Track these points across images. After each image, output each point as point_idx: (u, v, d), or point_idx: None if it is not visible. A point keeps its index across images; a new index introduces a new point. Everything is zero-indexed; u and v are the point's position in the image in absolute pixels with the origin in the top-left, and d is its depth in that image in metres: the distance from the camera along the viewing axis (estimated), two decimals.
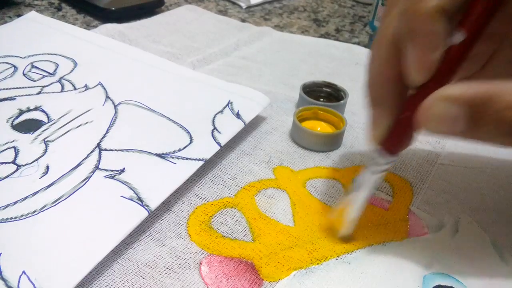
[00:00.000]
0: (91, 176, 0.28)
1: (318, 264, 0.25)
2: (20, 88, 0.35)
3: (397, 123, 0.24)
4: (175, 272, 0.24)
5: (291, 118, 0.35)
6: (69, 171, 0.28)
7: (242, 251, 0.25)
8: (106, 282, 0.23)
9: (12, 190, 0.26)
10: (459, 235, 0.28)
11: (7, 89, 0.35)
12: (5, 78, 0.36)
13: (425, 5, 0.21)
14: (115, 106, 0.34)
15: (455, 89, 0.21)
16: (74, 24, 0.50)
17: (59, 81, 0.37)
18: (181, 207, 0.28)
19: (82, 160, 0.29)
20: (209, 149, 0.31)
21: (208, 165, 0.31)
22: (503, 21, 0.23)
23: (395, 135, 0.24)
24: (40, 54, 0.40)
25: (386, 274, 0.25)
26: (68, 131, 0.31)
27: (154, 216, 0.27)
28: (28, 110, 0.33)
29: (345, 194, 0.27)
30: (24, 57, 0.39)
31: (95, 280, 0.23)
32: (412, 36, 0.22)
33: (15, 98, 0.34)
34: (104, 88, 0.36)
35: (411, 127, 0.23)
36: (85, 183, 0.27)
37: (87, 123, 0.32)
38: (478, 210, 0.30)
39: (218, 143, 0.31)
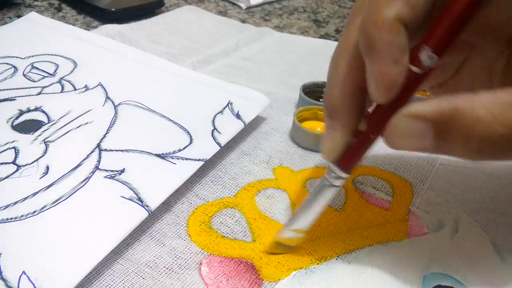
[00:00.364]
0: (91, 176, 0.28)
1: (318, 264, 0.25)
2: (20, 88, 0.35)
3: (355, 143, 0.23)
4: (175, 272, 0.24)
5: (291, 118, 0.35)
6: (69, 171, 0.28)
7: (242, 251, 0.25)
8: (106, 282, 0.23)
9: (12, 190, 0.26)
10: (459, 235, 0.28)
11: (7, 89, 0.35)
12: (5, 78, 0.36)
13: (385, 15, 0.20)
14: (115, 107, 0.34)
15: (422, 106, 0.20)
16: (74, 25, 0.50)
17: (59, 81, 0.37)
18: (181, 207, 0.28)
19: (82, 161, 0.29)
20: (209, 150, 0.31)
21: (208, 165, 0.31)
22: (472, 32, 0.22)
23: (351, 153, 0.23)
24: (40, 54, 0.40)
25: (386, 274, 0.25)
26: (68, 132, 0.31)
27: (154, 216, 0.27)
28: (28, 110, 0.33)
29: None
30: (24, 58, 0.39)
31: (95, 280, 0.23)
32: (371, 49, 0.20)
33: (15, 99, 0.34)
34: (104, 89, 0.36)
35: (368, 145, 0.22)
36: (85, 183, 0.27)
37: (87, 123, 0.32)
38: (478, 210, 0.30)
39: (218, 144, 0.31)
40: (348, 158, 0.23)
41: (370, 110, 0.23)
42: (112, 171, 0.28)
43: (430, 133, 0.20)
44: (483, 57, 0.25)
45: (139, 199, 0.26)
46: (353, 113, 0.23)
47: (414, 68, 0.20)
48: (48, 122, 0.32)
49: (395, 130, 0.21)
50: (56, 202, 0.26)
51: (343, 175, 0.23)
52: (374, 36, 0.20)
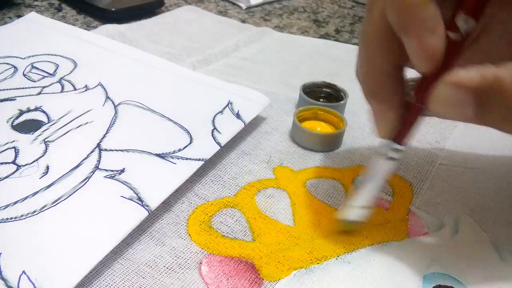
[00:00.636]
0: (91, 176, 0.28)
1: (318, 264, 0.25)
2: (20, 88, 0.35)
3: (406, 115, 0.24)
4: (175, 272, 0.24)
5: (291, 118, 0.35)
6: (69, 171, 0.28)
7: (242, 251, 0.25)
8: (106, 282, 0.23)
9: (12, 190, 0.26)
10: (459, 235, 0.28)
11: (7, 89, 0.35)
12: (5, 78, 0.36)
13: None
14: (115, 107, 0.34)
15: (462, 74, 0.20)
16: (74, 24, 0.50)
17: (59, 81, 0.37)
18: (181, 207, 0.28)
19: (82, 160, 0.29)
20: (209, 149, 0.31)
21: (208, 165, 0.31)
22: (492, 3, 0.23)
23: (404, 127, 0.24)
24: (40, 54, 0.40)
25: (386, 274, 0.25)
26: (68, 132, 0.31)
27: (154, 216, 0.27)
28: (28, 110, 0.33)
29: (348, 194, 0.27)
30: (24, 58, 0.39)
31: (95, 280, 0.23)
32: (406, 28, 0.21)
33: (15, 99, 0.34)
34: (104, 89, 0.36)
35: (419, 116, 0.23)
36: (85, 183, 0.27)
37: (87, 123, 0.32)
38: (478, 210, 0.30)
39: (218, 143, 0.31)
40: (403, 132, 0.24)
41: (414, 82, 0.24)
42: (112, 171, 0.28)
43: (470, 101, 0.20)
44: (502, 27, 0.25)
45: (139, 198, 0.26)
46: (398, 91, 0.24)
47: (453, 35, 0.21)
48: (48, 122, 0.32)
49: (437, 98, 0.21)
50: (56, 202, 0.26)
51: (401, 147, 0.24)
52: (407, 12, 0.21)
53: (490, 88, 0.20)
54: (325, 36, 0.57)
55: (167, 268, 0.24)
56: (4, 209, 0.25)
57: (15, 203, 0.25)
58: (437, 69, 0.22)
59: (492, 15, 0.25)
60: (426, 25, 0.21)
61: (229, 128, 0.33)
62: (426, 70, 0.22)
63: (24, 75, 0.37)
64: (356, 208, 0.26)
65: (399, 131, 0.24)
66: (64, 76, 0.38)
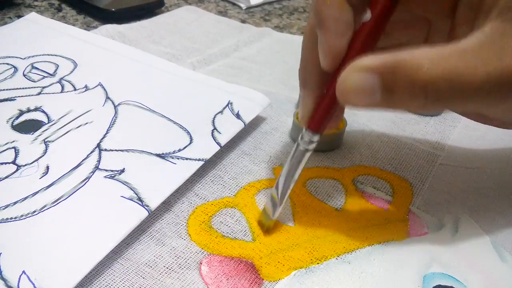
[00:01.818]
0: (91, 176, 0.28)
1: (318, 263, 0.25)
2: (20, 88, 0.35)
3: (318, 102, 0.25)
4: (175, 272, 0.24)
5: (291, 118, 0.35)
6: (69, 171, 0.28)
7: (242, 251, 0.25)
8: (106, 282, 0.23)
9: (12, 190, 0.26)
10: (459, 235, 0.28)
11: (7, 89, 0.35)
12: (5, 78, 0.36)
13: None
14: (115, 107, 0.34)
15: (367, 59, 0.22)
16: (74, 25, 0.50)
17: (59, 81, 0.37)
18: (181, 207, 0.28)
19: (82, 161, 0.29)
20: (209, 149, 0.31)
21: (208, 165, 0.31)
22: (419, 6, 0.26)
23: (317, 114, 0.25)
24: (40, 55, 0.40)
25: (386, 274, 0.25)
26: (68, 132, 0.31)
27: (154, 216, 0.27)
28: (28, 110, 0.33)
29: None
30: (24, 58, 0.40)
31: (95, 280, 0.23)
32: (321, 25, 0.24)
33: (15, 99, 0.34)
34: (104, 89, 0.36)
35: (331, 105, 0.25)
36: (85, 183, 0.27)
37: (87, 123, 0.32)
38: (478, 210, 0.30)
39: (218, 143, 0.31)
40: (314, 119, 0.26)
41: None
42: (112, 171, 0.28)
43: (377, 85, 0.21)
44: (439, 34, 0.27)
45: (139, 198, 0.26)
46: (318, 80, 0.26)
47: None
48: (48, 122, 0.32)
49: (344, 85, 0.22)
50: (56, 202, 0.26)
51: (314, 138, 0.26)
52: (323, 13, 0.23)
53: (394, 67, 0.21)
54: None
55: (167, 268, 0.24)
56: (4, 209, 0.25)
57: (15, 203, 0.25)
58: (336, 68, 0.24)
59: (427, 21, 0.28)
60: (337, 28, 0.23)
61: (229, 128, 0.33)
62: (327, 67, 0.24)
63: (24, 75, 0.37)
64: (271, 199, 0.27)
65: (311, 118, 0.26)
66: (64, 76, 0.38)
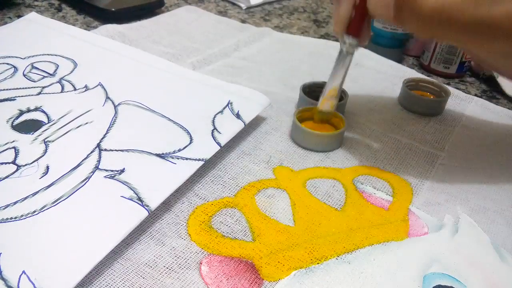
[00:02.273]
0: (91, 176, 0.28)
1: (318, 263, 0.25)
2: (20, 88, 0.35)
3: (355, 11, 0.31)
4: (175, 272, 0.24)
5: (291, 118, 0.35)
6: (69, 171, 0.28)
7: (242, 251, 0.25)
8: (106, 282, 0.23)
9: (12, 190, 0.26)
10: (459, 235, 0.28)
11: (7, 89, 0.35)
12: (5, 78, 0.36)
13: None
14: (115, 107, 0.34)
15: None
16: (74, 25, 0.50)
17: (59, 81, 0.37)
18: (181, 207, 0.28)
19: (82, 160, 0.29)
20: (209, 149, 0.31)
21: (208, 165, 0.31)
22: None
23: (354, 20, 0.31)
24: (40, 55, 0.40)
25: (386, 274, 0.25)
26: (68, 132, 0.31)
27: (154, 216, 0.27)
28: (28, 110, 0.33)
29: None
30: (24, 58, 0.39)
31: (95, 280, 0.23)
32: None
33: (15, 99, 0.34)
34: (104, 89, 0.36)
35: (363, 10, 0.30)
36: (85, 183, 0.27)
37: (87, 123, 0.32)
38: (478, 210, 0.30)
39: (218, 143, 0.31)
40: (353, 24, 0.32)
41: None
42: (112, 171, 0.28)
43: (392, 3, 0.27)
44: None
45: (139, 198, 0.26)
46: None
47: None
48: (48, 122, 0.32)
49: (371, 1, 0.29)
50: (56, 202, 0.26)
51: (354, 41, 0.32)
52: None
53: None
54: (325, 36, 0.57)
55: (167, 268, 0.24)
56: (4, 209, 0.25)
57: (15, 203, 0.25)
58: None
59: None
60: None
61: (229, 128, 0.33)
62: None
63: (24, 75, 0.37)
64: (326, 99, 0.34)
65: (350, 24, 0.32)
66: (64, 76, 0.38)
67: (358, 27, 0.32)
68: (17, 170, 0.28)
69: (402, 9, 0.26)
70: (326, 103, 0.34)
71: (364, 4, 0.30)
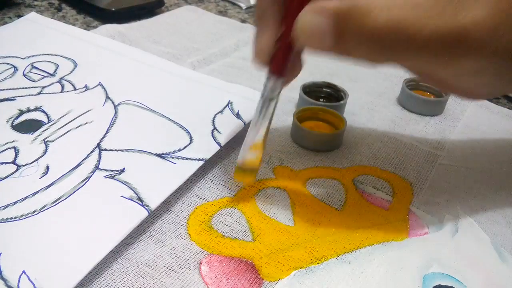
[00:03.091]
0: (91, 176, 0.28)
1: (318, 263, 0.25)
2: (20, 88, 0.35)
3: (278, 41, 0.25)
4: (175, 272, 0.24)
5: (291, 118, 0.35)
6: (69, 171, 0.28)
7: (242, 251, 0.25)
8: (106, 282, 0.23)
9: (12, 190, 0.26)
10: (459, 235, 0.28)
11: (7, 89, 0.35)
12: (5, 78, 0.36)
13: None
14: (115, 107, 0.34)
15: (321, 3, 0.22)
16: (74, 24, 0.50)
17: (59, 81, 0.37)
18: (181, 207, 0.28)
19: (82, 160, 0.29)
20: (209, 149, 0.31)
21: (208, 165, 0.31)
22: None
23: (278, 54, 0.25)
24: (40, 54, 0.40)
25: (386, 274, 0.25)
26: (68, 131, 0.31)
27: (154, 216, 0.27)
28: (28, 110, 0.33)
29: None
30: (24, 58, 0.39)
31: (95, 280, 0.23)
32: None
33: (15, 99, 0.34)
34: (104, 89, 0.36)
35: (288, 45, 0.24)
36: (85, 183, 0.27)
37: (87, 123, 0.32)
38: (478, 210, 0.30)
39: (218, 143, 0.31)
40: (275, 60, 0.25)
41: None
42: (112, 170, 0.28)
43: (330, 28, 0.21)
44: None
45: (139, 198, 0.26)
46: (275, 16, 0.25)
47: None
48: (48, 122, 0.32)
49: (300, 25, 0.22)
50: (56, 201, 0.26)
51: (278, 83, 0.25)
52: None
53: (347, 11, 0.21)
54: None
55: (167, 268, 0.24)
56: (4, 209, 0.25)
57: (15, 203, 0.25)
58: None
59: None
60: None
61: (229, 128, 0.33)
62: None
63: (24, 75, 0.37)
64: (246, 152, 0.27)
65: (273, 60, 0.25)
66: (64, 76, 0.38)
67: (282, 65, 0.25)
68: (17, 170, 0.28)
69: (346, 34, 0.21)
70: (248, 157, 0.28)
71: (288, 34, 0.23)
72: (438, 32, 0.20)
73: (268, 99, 0.26)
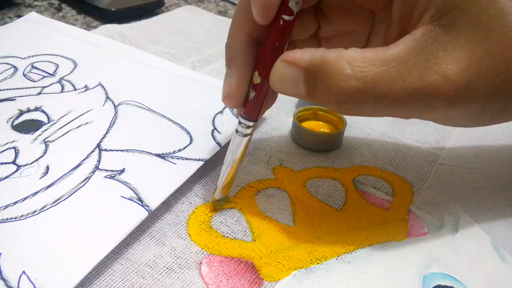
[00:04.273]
0: (91, 176, 0.28)
1: (318, 264, 0.25)
2: (20, 88, 0.35)
3: (253, 89, 0.25)
4: (175, 272, 0.24)
5: (291, 118, 0.35)
6: (69, 171, 0.28)
7: (242, 251, 0.25)
8: (106, 282, 0.23)
9: (12, 190, 0.26)
10: (459, 235, 0.28)
11: (7, 89, 0.35)
12: (5, 78, 0.36)
13: None
14: (115, 107, 0.34)
15: (296, 54, 0.22)
16: (74, 24, 0.50)
17: (59, 81, 0.37)
18: (181, 207, 0.28)
19: (82, 161, 0.29)
20: (209, 149, 0.31)
21: (208, 165, 0.31)
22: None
23: (253, 101, 0.25)
24: (40, 54, 0.40)
25: (386, 274, 0.25)
26: (68, 132, 0.31)
27: (154, 216, 0.27)
28: (28, 110, 0.33)
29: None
30: (24, 58, 0.39)
31: (95, 280, 0.23)
32: None
33: (15, 99, 0.34)
34: (104, 89, 0.36)
35: (262, 92, 0.25)
36: (85, 183, 0.27)
37: (87, 123, 0.32)
38: (478, 210, 0.30)
39: (218, 143, 0.31)
40: (250, 106, 0.25)
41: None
42: (112, 171, 0.28)
43: (302, 80, 0.22)
44: (384, 25, 0.26)
45: (139, 199, 0.26)
46: (246, 60, 0.25)
47: (286, 17, 0.23)
48: (48, 122, 0.32)
49: (274, 74, 0.23)
50: (56, 202, 0.26)
51: (249, 123, 0.26)
52: None
53: (317, 67, 0.21)
54: None
55: (167, 268, 0.24)
56: (4, 209, 0.25)
57: (15, 203, 0.25)
58: (273, 48, 0.23)
59: (370, 12, 0.27)
60: None
61: (229, 128, 0.33)
62: (260, 19, 0.23)
63: (24, 75, 0.37)
64: (220, 187, 0.27)
65: (247, 105, 0.26)
66: (64, 76, 0.38)
67: (256, 111, 0.26)
68: (17, 170, 0.28)
69: (317, 88, 0.22)
70: (219, 191, 0.28)
71: (264, 83, 0.24)
72: (405, 92, 0.20)
73: (243, 135, 0.26)
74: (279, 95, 0.40)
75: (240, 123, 0.26)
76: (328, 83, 0.21)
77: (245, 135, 0.26)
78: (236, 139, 0.26)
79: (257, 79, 0.25)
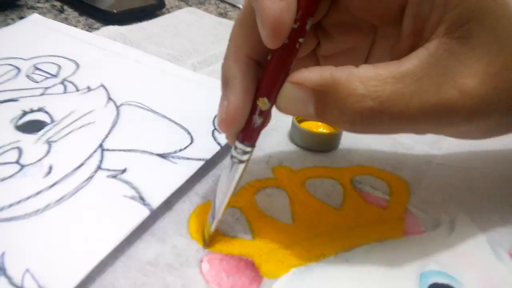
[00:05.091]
0: (93, 175, 0.28)
1: (316, 261, 0.26)
2: (23, 89, 0.36)
3: (252, 112, 0.23)
4: (176, 270, 0.24)
5: (290, 118, 0.36)
6: (72, 171, 0.28)
7: (242, 249, 0.26)
8: (108, 280, 0.23)
9: (16, 189, 0.26)
10: (455, 234, 0.28)
11: (10, 90, 0.35)
12: (9, 79, 0.37)
13: None
14: (117, 107, 0.35)
15: (304, 74, 0.21)
16: (76, 26, 0.50)
17: (62, 82, 0.37)
18: (182, 206, 0.28)
19: (85, 160, 0.29)
20: (209, 149, 0.31)
21: (209, 164, 0.32)
22: (363, 10, 0.23)
23: (252, 128, 0.23)
24: (42, 56, 0.41)
25: (383, 272, 0.25)
26: (71, 132, 0.31)
27: (155, 215, 0.27)
28: (31, 111, 0.33)
29: None
30: (27, 59, 0.40)
31: (98, 278, 0.23)
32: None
33: (19, 100, 0.34)
34: (106, 90, 0.37)
35: (266, 116, 0.23)
36: (88, 182, 0.27)
37: (89, 123, 0.32)
38: (475, 209, 0.30)
39: (219, 143, 0.32)
40: (248, 131, 0.23)
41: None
42: (114, 170, 0.28)
43: (311, 101, 0.21)
44: (386, 40, 0.25)
45: (141, 198, 0.27)
46: (246, 83, 0.23)
47: (301, 39, 0.21)
48: (51, 123, 0.32)
49: (281, 96, 0.22)
50: (59, 201, 0.26)
51: (249, 148, 0.23)
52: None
53: (328, 88, 0.20)
54: None
55: (168, 266, 0.25)
56: (8, 208, 0.25)
57: (19, 202, 0.26)
58: (278, 67, 0.21)
59: (373, 27, 0.26)
60: None
61: None
62: (270, 42, 0.21)
63: (27, 76, 0.38)
64: (217, 220, 0.25)
65: (246, 130, 0.23)
66: (67, 77, 0.38)
67: (255, 137, 0.23)
68: (20, 169, 0.28)
69: (327, 109, 0.21)
70: (212, 225, 0.25)
71: (268, 112, 0.23)
72: (423, 109, 0.20)
73: (238, 162, 0.24)
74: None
75: (236, 148, 0.24)
76: (341, 104, 0.20)
77: (241, 162, 0.24)
78: (233, 166, 0.24)
79: (265, 106, 0.22)
